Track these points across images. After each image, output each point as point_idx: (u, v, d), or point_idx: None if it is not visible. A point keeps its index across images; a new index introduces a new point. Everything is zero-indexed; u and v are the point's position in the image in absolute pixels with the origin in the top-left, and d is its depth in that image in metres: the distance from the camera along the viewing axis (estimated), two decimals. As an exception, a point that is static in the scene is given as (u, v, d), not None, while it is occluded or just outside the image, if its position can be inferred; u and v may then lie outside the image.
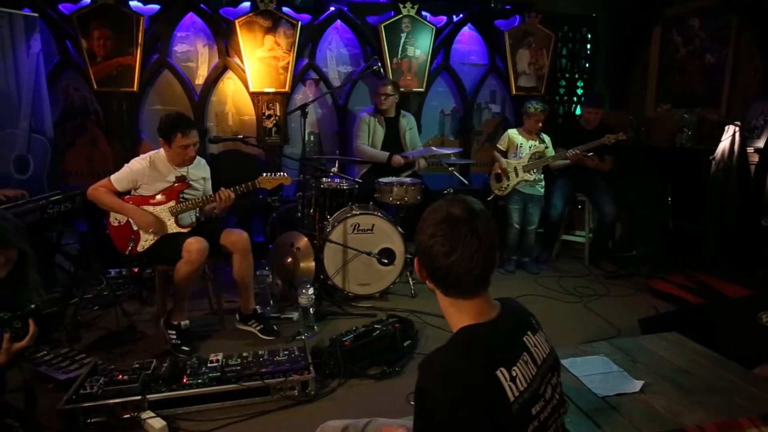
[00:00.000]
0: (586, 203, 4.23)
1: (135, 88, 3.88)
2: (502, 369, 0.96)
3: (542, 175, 3.96)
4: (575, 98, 4.93)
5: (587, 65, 4.90)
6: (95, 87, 3.82)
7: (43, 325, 1.74)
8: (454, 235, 0.99)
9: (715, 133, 3.77)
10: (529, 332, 1.08)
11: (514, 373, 0.97)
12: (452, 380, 0.94)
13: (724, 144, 3.61)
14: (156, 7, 3.92)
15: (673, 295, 3.36)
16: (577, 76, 4.91)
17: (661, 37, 4.64)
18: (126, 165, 2.72)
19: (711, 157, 3.69)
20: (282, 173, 2.90)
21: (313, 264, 3.33)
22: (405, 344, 2.63)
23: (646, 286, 3.61)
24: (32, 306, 1.80)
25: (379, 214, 3.39)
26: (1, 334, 1.61)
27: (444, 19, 4.49)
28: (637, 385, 1.60)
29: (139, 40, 3.80)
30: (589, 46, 4.88)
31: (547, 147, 3.93)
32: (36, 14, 3.59)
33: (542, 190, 3.98)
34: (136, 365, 2.24)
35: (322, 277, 3.30)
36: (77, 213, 3.15)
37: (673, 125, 4.34)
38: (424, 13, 4.37)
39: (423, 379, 0.99)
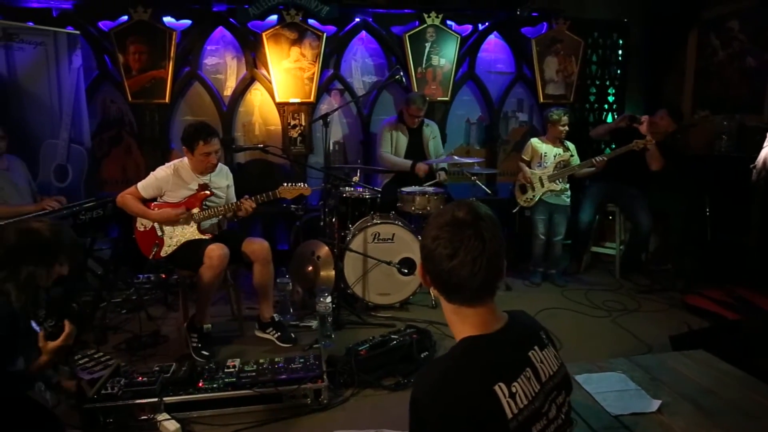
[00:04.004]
0: (616, 213, 4.10)
1: (167, 100, 4.07)
2: (501, 384, 0.94)
3: (568, 185, 3.87)
4: (606, 106, 4.81)
5: (619, 72, 4.78)
6: (130, 99, 4.02)
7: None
8: (457, 238, 0.97)
9: (757, 139, 3.59)
10: (536, 347, 1.05)
11: (514, 389, 0.94)
12: (446, 392, 0.93)
13: (766, 151, 3.43)
14: (188, 22, 4.10)
15: (710, 311, 3.21)
16: (608, 83, 4.79)
17: (697, 40, 4.48)
18: (152, 173, 2.84)
19: (752, 165, 3.51)
20: (302, 184, 2.95)
21: (333, 273, 3.35)
22: (422, 355, 2.61)
23: (681, 302, 3.47)
24: (74, 305, 1.87)
25: (400, 223, 3.40)
26: (36, 332, 1.69)
27: (469, 27, 4.49)
28: (654, 404, 1.53)
29: (172, 54, 3.98)
30: (620, 51, 4.76)
31: (572, 155, 3.85)
32: (78, 32, 3.81)
33: (568, 200, 3.89)
34: (156, 368, 2.32)
35: (342, 285, 3.32)
36: (109, 219, 3.31)
37: (712, 132, 4.17)
38: (449, 22, 4.39)
39: (417, 389, 0.99)
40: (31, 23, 3.68)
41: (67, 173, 3.73)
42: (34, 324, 1.73)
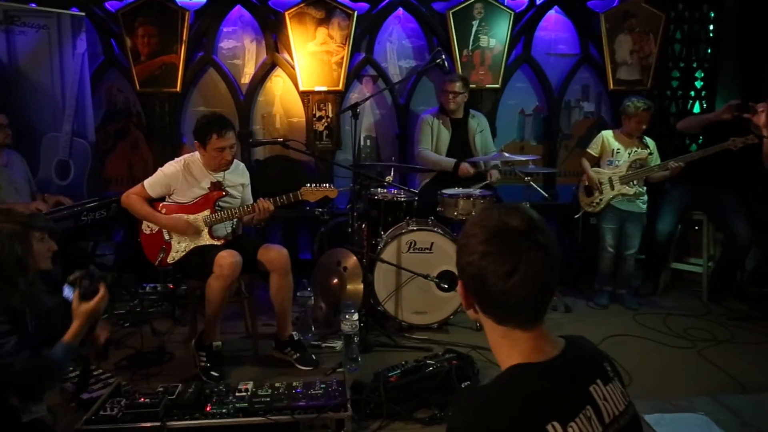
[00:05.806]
0: (704, 223, 3.97)
1: (178, 88, 4.23)
2: (555, 423, 0.92)
3: (645, 188, 3.78)
4: (692, 93, 4.68)
5: (709, 51, 4.65)
6: (138, 87, 4.21)
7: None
8: (514, 252, 0.96)
9: None
10: (598, 381, 1.02)
11: (570, 431, 0.93)
12: (487, 428, 0.92)
13: None
14: (202, 0, 4.25)
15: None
16: (695, 65, 4.68)
17: (810, 12, 4.29)
18: (160, 169, 2.96)
19: None
20: (327, 184, 3.00)
21: (361, 286, 3.39)
22: (462, 385, 2.60)
23: (787, 333, 3.34)
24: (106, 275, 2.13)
25: (440, 230, 3.40)
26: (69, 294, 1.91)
27: (525, 2, 4.47)
28: (744, 453, 1.48)
29: (184, 37, 4.14)
30: (711, 27, 4.64)
31: (651, 153, 3.76)
32: (83, 13, 4.03)
33: (644, 207, 3.81)
34: (161, 389, 2.40)
35: (371, 301, 3.35)
36: (113, 221, 3.47)
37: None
38: (500, -4, 4.38)
39: (453, 422, 0.98)
40: (33, 5, 3.91)
41: (69, 170, 3.92)
42: (67, 290, 1.95)
